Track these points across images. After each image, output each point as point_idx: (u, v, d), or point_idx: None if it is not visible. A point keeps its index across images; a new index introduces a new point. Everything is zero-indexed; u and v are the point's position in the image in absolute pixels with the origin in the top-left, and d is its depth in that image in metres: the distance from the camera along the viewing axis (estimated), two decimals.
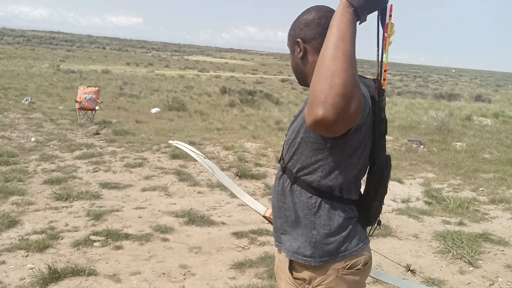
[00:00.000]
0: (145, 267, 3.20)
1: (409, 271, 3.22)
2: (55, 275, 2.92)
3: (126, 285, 2.94)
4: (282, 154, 1.44)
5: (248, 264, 3.31)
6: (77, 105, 9.42)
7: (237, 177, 5.78)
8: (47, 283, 2.86)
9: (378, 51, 1.28)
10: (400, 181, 6.02)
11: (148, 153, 6.81)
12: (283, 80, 30.97)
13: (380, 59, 1.28)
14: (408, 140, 8.91)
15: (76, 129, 8.60)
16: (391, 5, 1.26)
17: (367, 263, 1.37)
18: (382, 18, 1.27)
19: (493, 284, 3.25)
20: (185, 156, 6.63)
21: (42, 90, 14.99)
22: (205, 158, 2.33)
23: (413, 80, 49.24)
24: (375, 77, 1.31)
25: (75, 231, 3.76)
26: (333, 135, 1.11)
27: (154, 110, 11.97)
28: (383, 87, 1.28)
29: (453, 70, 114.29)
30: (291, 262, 1.36)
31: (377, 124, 1.29)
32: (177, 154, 6.69)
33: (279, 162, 1.46)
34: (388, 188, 1.42)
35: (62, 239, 3.59)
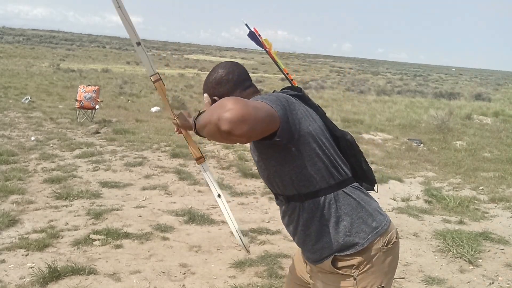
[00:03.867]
0: (145, 266, 3.20)
1: None
2: (55, 274, 2.92)
3: (126, 284, 2.94)
4: (273, 191, 1.51)
5: (248, 263, 3.31)
6: (77, 104, 9.41)
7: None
8: (47, 282, 2.86)
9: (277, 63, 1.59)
10: (400, 180, 6.02)
11: (148, 152, 6.80)
12: (283, 79, 30.94)
13: (278, 67, 1.58)
14: (408, 139, 8.91)
15: (76, 128, 8.60)
16: (254, 27, 1.52)
17: (397, 234, 1.48)
18: (257, 42, 1.53)
19: (493, 282, 3.25)
20: (185, 155, 6.63)
21: (42, 89, 14.99)
22: None
23: (413, 79, 49.22)
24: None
25: (75, 230, 3.76)
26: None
27: (154, 109, 11.97)
28: (296, 85, 1.50)
29: (453, 69, 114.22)
30: (334, 257, 1.41)
31: (315, 110, 1.44)
32: (177, 153, 6.69)
33: (276, 200, 1.54)
34: (360, 150, 1.53)
35: (62, 238, 3.59)
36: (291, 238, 1.55)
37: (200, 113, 1.42)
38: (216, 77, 1.51)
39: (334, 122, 1.52)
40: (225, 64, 1.54)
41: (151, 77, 1.74)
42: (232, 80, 1.50)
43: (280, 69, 1.46)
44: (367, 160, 1.56)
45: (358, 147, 1.51)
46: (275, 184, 1.45)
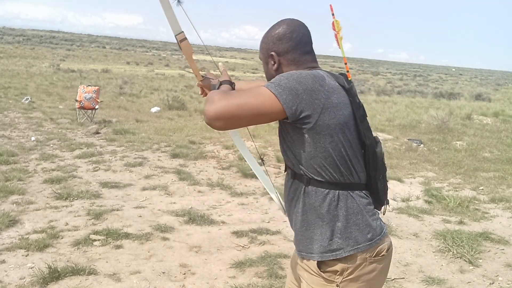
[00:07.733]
0: (145, 266, 3.20)
1: None
2: (55, 274, 2.92)
3: (126, 284, 2.94)
4: (285, 162, 1.50)
5: (248, 263, 3.31)
6: (77, 104, 9.41)
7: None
8: (47, 282, 2.86)
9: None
10: (400, 180, 6.02)
11: (148, 152, 6.81)
12: None
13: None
14: (408, 139, 8.90)
15: (76, 128, 8.60)
16: (330, 5, 1.42)
17: (389, 249, 1.44)
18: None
19: (493, 283, 3.25)
20: (185, 155, 6.63)
21: (42, 89, 14.99)
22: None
23: (413, 79, 49.20)
24: (343, 72, 1.49)
25: (75, 230, 3.76)
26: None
27: (154, 109, 11.97)
28: (348, 78, 1.44)
29: (453, 69, 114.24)
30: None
31: (354, 109, 1.38)
32: (177, 153, 6.69)
33: (285, 171, 1.52)
34: (386, 165, 1.50)
35: (62, 238, 3.59)
36: (291, 239, 1.55)
37: (220, 83, 1.48)
38: (279, 32, 1.44)
39: None
40: (291, 21, 1.46)
41: (176, 37, 1.60)
42: (294, 39, 1.43)
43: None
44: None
45: (384, 164, 1.47)
46: (286, 157, 1.45)
